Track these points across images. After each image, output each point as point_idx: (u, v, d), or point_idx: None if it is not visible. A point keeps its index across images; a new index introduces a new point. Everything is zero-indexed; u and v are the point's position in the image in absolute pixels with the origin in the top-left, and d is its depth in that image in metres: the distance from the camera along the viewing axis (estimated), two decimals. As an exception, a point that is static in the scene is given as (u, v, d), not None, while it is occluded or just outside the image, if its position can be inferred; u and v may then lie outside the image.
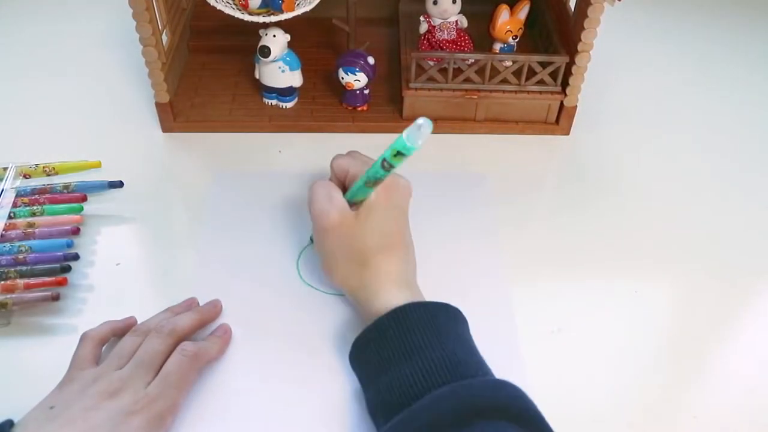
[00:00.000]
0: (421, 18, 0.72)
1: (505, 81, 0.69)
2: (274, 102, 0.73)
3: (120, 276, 0.57)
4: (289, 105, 0.72)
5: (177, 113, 0.71)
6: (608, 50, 0.74)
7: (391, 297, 0.48)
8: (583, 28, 0.65)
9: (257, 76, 0.71)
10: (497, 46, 0.73)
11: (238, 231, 0.61)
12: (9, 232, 0.57)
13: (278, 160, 0.69)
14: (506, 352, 0.53)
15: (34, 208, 0.60)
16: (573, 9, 0.70)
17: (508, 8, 0.71)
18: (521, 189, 0.67)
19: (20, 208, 0.60)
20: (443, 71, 0.69)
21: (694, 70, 0.84)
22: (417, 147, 0.44)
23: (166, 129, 0.71)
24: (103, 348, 0.50)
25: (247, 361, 0.51)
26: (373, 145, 0.70)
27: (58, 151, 0.65)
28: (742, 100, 0.79)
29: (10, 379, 0.50)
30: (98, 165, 0.64)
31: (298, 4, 0.66)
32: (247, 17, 0.65)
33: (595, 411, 0.50)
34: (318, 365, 0.51)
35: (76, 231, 0.58)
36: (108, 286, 0.57)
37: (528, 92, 0.70)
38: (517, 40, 0.73)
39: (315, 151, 0.70)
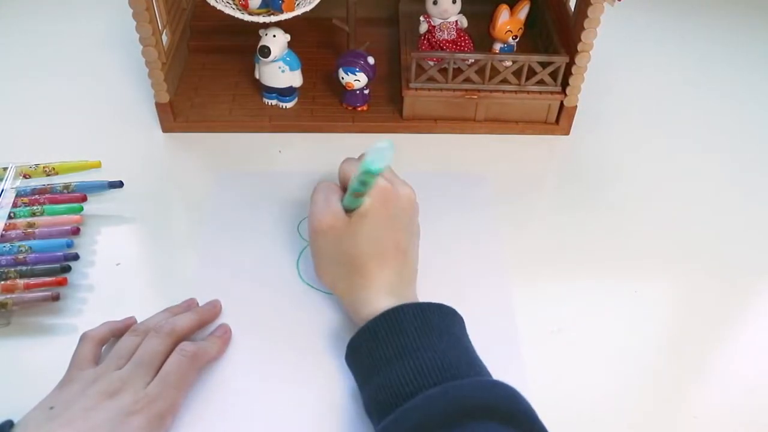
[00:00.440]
0: (421, 18, 0.72)
1: (505, 81, 0.69)
2: (274, 102, 0.73)
3: (120, 276, 0.57)
4: (289, 105, 0.72)
5: (177, 113, 0.71)
6: (608, 50, 0.74)
7: (379, 305, 0.48)
8: (583, 28, 0.65)
9: (257, 76, 0.71)
10: (497, 46, 0.73)
11: (238, 231, 0.61)
12: (9, 232, 0.57)
13: (278, 160, 0.69)
14: (506, 352, 0.53)
15: (34, 208, 0.60)
16: (573, 9, 0.70)
17: (508, 8, 0.71)
18: (521, 189, 0.67)
19: (20, 208, 0.60)
20: (443, 71, 0.69)
21: (694, 70, 0.84)
22: (382, 169, 0.45)
23: (166, 129, 0.71)
24: (103, 348, 0.50)
25: (247, 361, 0.51)
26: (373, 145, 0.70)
27: (58, 151, 0.65)
28: (742, 100, 0.79)
29: (10, 379, 0.50)
30: (98, 165, 0.64)
31: (298, 4, 0.66)
32: (247, 17, 0.65)
33: (595, 411, 0.50)
34: (318, 365, 0.51)
35: (76, 231, 0.58)
36: (108, 286, 0.57)
37: (528, 92, 0.70)
38: (517, 40, 0.73)
39: (315, 151, 0.70)
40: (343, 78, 0.69)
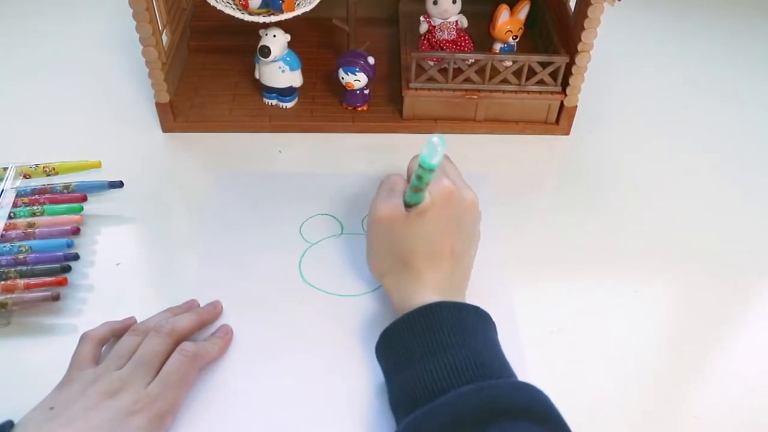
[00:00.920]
0: (421, 18, 0.72)
1: (505, 81, 0.69)
2: (274, 102, 0.73)
3: (120, 276, 0.57)
4: (289, 105, 0.72)
5: (177, 113, 0.71)
6: (608, 50, 0.74)
7: (422, 301, 0.48)
8: (583, 28, 0.65)
9: (257, 76, 0.71)
10: (497, 46, 0.73)
11: (239, 231, 0.61)
12: (9, 232, 0.57)
13: (278, 160, 0.69)
14: (507, 352, 0.52)
15: (34, 208, 0.60)
16: (573, 9, 0.70)
17: (508, 8, 0.71)
18: (521, 189, 0.67)
19: (20, 208, 0.60)
20: (443, 71, 0.69)
21: (694, 70, 0.84)
22: (436, 164, 0.45)
23: (166, 129, 0.71)
24: (103, 348, 0.49)
25: (247, 361, 0.51)
26: (373, 145, 0.71)
27: (58, 151, 0.65)
28: (742, 100, 0.79)
29: (10, 379, 0.50)
30: (98, 165, 0.64)
31: (298, 4, 0.66)
32: (247, 17, 0.65)
33: (595, 411, 0.50)
34: (319, 365, 0.51)
35: (76, 231, 0.58)
36: (108, 286, 0.56)
37: (528, 92, 0.70)
38: (517, 40, 0.73)
39: (315, 151, 0.70)
40: (343, 78, 0.69)
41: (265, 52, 0.66)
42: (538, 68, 0.68)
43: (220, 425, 0.48)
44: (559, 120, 0.72)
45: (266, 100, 0.73)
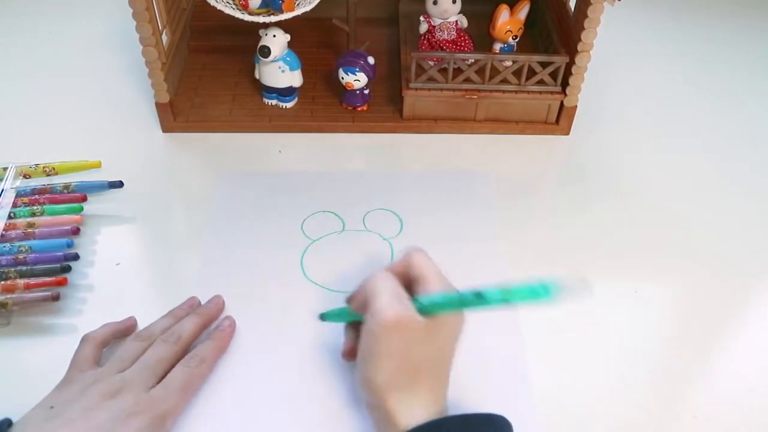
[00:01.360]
0: (421, 18, 0.72)
1: (505, 81, 0.69)
2: (274, 102, 0.73)
3: (120, 276, 0.57)
4: (289, 105, 0.72)
5: (177, 113, 0.71)
6: (608, 50, 0.74)
7: (421, 415, 0.42)
8: (583, 28, 0.65)
9: (257, 76, 0.71)
10: (497, 46, 0.73)
11: (239, 231, 0.61)
12: (9, 232, 0.57)
13: (278, 160, 0.69)
14: (507, 352, 0.53)
15: (34, 208, 0.60)
16: (573, 9, 0.70)
17: (508, 8, 0.71)
18: (521, 189, 0.67)
19: (20, 208, 0.60)
20: (443, 71, 0.69)
21: (694, 70, 0.84)
22: (552, 298, 0.39)
23: (166, 129, 0.71)
24: (104, 350, 0.49)
25: (249, 361, 0.51)
26: (373, 145, 0.71)
27: (58, 151, 0.65)
28: (742, 100, 0.79)
29: (10, 379, 0.50)
30: (98, 165, 0.64)
31: (298, 4, 0.66)
32: (247, 17, 0.65)
33: (595, 411, 0.50)
34: (322, 365, 0.51)
35: (76, 231, 0.58)
36: (108, 286, 0.56)
37: (528, 92, 0.70)
38: (517, 40, 0.73)
39: (315, 151, 0.70)
40: (343, 78, 0.69)
41: (265, 52, 0.66)
42: (538, 68, 0.68)
43: (221, 425, 0.48)
44: (559, 120, 0.72)
45: (266, 100, 0.73)
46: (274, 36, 0.66)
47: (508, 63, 0.69)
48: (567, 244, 0.61)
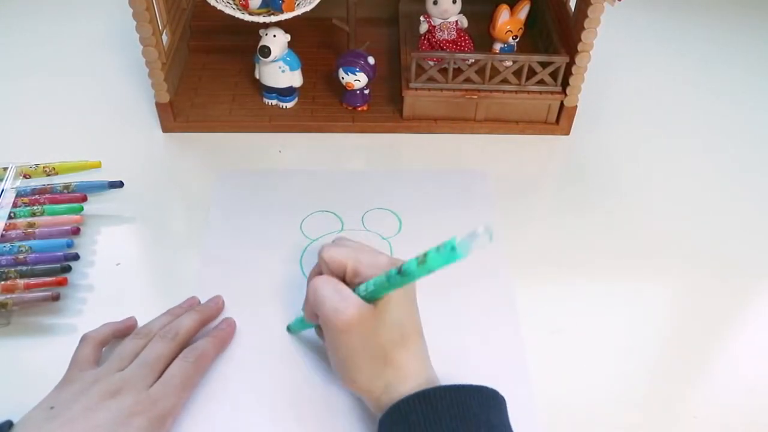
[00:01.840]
0: (421, 18, 0.72)
1: (505, 81, 0.69)
2: (274, 102, 0.73)
3: (120, 276, 0.57)
4: (289, 105, 0.72)
5: (177, 113, 0.71)
6: (608, 50, 0.74)
7: (407, 387, 0.43)
8: (583, 28, 0.65)
9: (257, 76, 0.71)
10: (497, 46, 0.73)
11: (239, 231, 0.61)
12: (9, 232, 0.57)
13: (278, 160, 0.69)
14: (507, 352, 0.53)
15: (34, 208, 0.60)
16: (573, 9, 0.70)
17: (508, 8, 0.71)
18: (521, 189, 0.67)
19: (20, 208, 0.60)
20: (443, 71, 0.69)
21: (694, 70, 0.84)
22: (464, 256, 0.38)
23: (166, 129, 0.71)
24: (103, 350, 0.49)
25: (249, 361, 0.51)
26: (373, 145, 0.71)
27: (58, 151, 0.65)
28: (742, 100, 0.79)
29: (10, 379, 0.50)
30: (98, 165, 0.64)
31: (298, 4, 0.66)
32: (247, 17, 0.65)
33: (595, 411, 0.50)
34: (322, 364, 0.51)
35: (76, 231, 0.58)
36: (108, 286, 0.56)
37: (528, 92, 0.70)
38: (517, 40, 0.73)
39: (315, 151, 0.70)
40: (343, 78, 0.69)
41: (265, 52, 0.66)
42: (538, 68, 0.68)
43: (221, 425, 0.48)
44: (559, 120, 0.72)
45: (266, 100, 0.73)
46: (274, 36, 0.66)
47: (508, 63, 0.69)
48: (567, 244, 0.61)
